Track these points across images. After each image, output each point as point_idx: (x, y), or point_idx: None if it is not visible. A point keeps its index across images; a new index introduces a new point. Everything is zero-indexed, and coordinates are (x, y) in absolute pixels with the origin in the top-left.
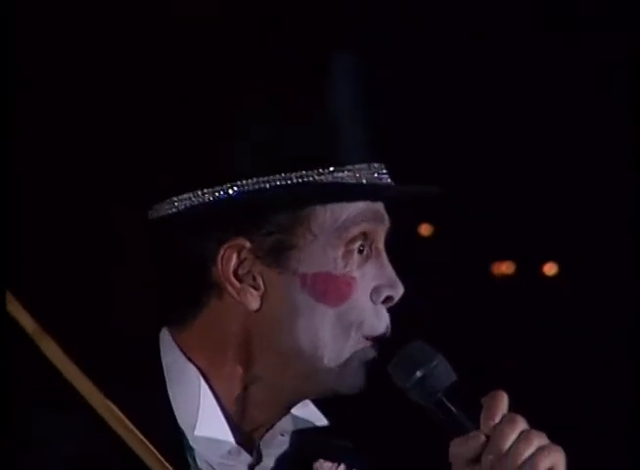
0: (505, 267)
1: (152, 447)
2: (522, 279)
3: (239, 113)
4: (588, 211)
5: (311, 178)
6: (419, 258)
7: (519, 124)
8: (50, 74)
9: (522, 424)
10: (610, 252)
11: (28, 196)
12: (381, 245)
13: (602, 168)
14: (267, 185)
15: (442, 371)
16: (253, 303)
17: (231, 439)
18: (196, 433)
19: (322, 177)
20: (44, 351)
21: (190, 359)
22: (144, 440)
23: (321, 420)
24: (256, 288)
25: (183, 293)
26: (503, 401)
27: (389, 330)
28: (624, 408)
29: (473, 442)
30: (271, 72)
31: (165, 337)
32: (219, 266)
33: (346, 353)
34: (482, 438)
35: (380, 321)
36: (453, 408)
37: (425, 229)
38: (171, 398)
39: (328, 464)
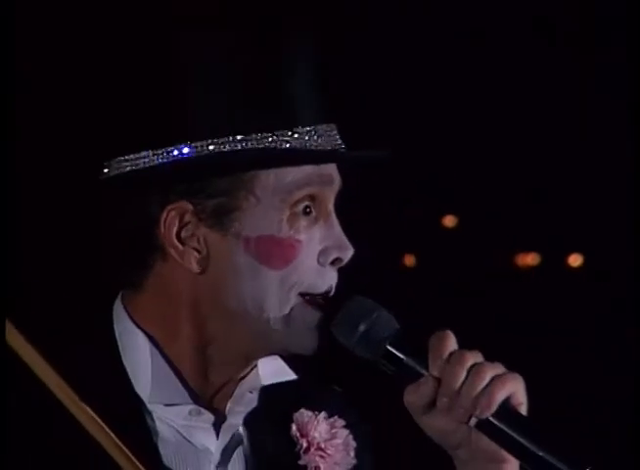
0: (530, 259)
1: (100, 421)
2: (547, 270)
3: (188, 79)
4: (614, 203)
5: (254, 143)
6: (443, 250)
7: (545, 116)
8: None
9: (471, 359)
10: (635, 243)
11: None
12: (330, 206)
13: (628, 160)
14: (209, 149)
15: (385, 321)
16: (196, 265)
17: (189, 400)
18: (149, 399)
19: (265, 142)
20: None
21: (139, 326)
22: (92, 414)
23: (290, 374)
24: (199, 251)
25: (129, 257)
26: (448, 340)
27: (332, 290)
28: None
29: (424, 387)
30: (224, 39)
31: (118, 305)
32: (162, 229)
33: (290, 314)
34: (432, 381)
35: (322, 281)
36: (402, 356)
37: (449, 220)
38: (126, 366)
39: (308, 413)
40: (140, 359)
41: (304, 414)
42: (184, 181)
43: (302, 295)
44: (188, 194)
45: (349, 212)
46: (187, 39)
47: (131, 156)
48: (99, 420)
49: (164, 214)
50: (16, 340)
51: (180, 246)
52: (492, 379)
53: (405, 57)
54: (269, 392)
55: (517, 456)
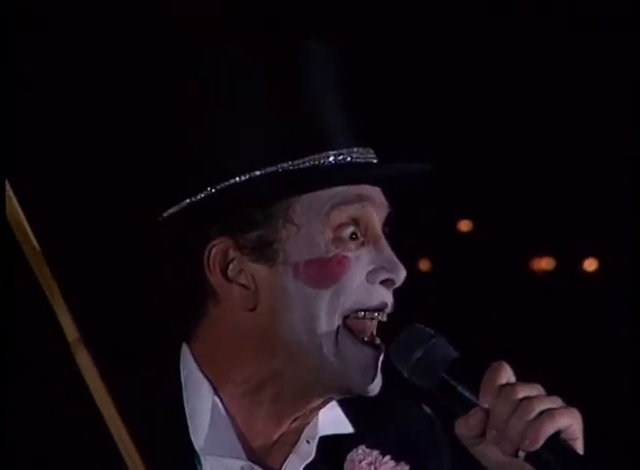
0: (545, 263)
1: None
2: (561, 275)
3: (211, 113)
4: (629, 208)
5: (282, 169)
6: (458, 255)
7: (562, 122)
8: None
9: (522, 391)
10: None
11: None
12: (377, 230)
13: None
14: (239, 181)
15: (441, 349)
16: (246, 302)
17: (242, 455)
18: (203, 450)
19: (293, 167)
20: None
21: (203, 372)
22: (137, 454)
23: (348, 428)
24: (248, 287)
25: (183, 305)
26: (502, 372)
27: (389, 309)
28: None
29: (473, 419)
30: (242, 71)
31: (185, 349)
32: (206, 268)
33: (339, 348)
34: (481, 413)
35: (370, 297)
36: (457, 385)
37: (464, 225)
38: (187, 413)
39: (364, 451)
40: (201, 407)
41: (359, 452)
42: (221, 216)
43: (351, 312)
44: (227, 230)
45: None
46: (214, 71)
47: (172, 207)
48: (139, 459)
49: (207, 253)
50: (87, 368)
51: (227, 283)
52: (541, 413)
53: (419, 62)
54: (328, 441)
55: None
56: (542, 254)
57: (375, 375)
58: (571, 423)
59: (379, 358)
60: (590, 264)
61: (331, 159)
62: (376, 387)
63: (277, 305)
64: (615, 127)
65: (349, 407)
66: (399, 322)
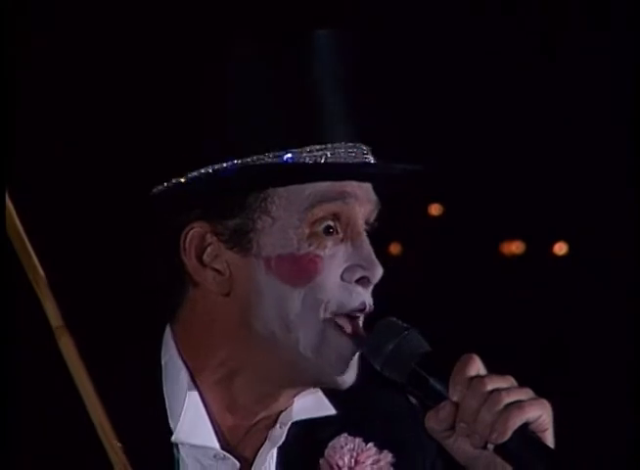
0: (515, 247)
1: (117, 445)
2: (531, 259)
3: (206, 99)
4: (598, 191)
5: (264, 161)
6: (429, 238)
7: (529, 105)
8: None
9: (491, 384)
10: (619, 231)
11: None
12: (358, 227)
13: (614, 148)
14: (217, 169)
15: (414, 342)
16: (220, 287)
17: (215, 444)
18: (176, 437)
19: (276, 159)
20: (60, 345)
21: (182, 357)
22: (112, 435)
23: (328, 409)
24: (222, 272)
25: (166, 286)
26: (472, 364)
27: (369, 308)
28: (633, 386)
29: (442, 412)
30: (243, 60)
31: (167, 333)
32: (181, 251)
33: (321, 343)
34: (450, 406)
35: (350, 297)
36: (428, 378)
37: (435, 209)
38: (165, 396)
39: (346, 440)
40: (178, 394)
41: (341, 439)
42: (201, 202)
43: (336, 315)
44: (207, 215)
45: None
46: (216, 59)
47: (160, 185)
48: (117, 443)
49: (183, 236)
50: (70, 354)
51: (201, 268)
52: (510, 404)
53: (395, 50)
54: (308, 428)
55: None
56: (512, 237)
57: (351, 367)
58: (540, 414)
59: (356, 352)
60: (560, 248)
61: (314, 154)
62: (349, 379)
63: (250, 294)
64: (584, 110)
65: (333, 396)
66: (441, 351)
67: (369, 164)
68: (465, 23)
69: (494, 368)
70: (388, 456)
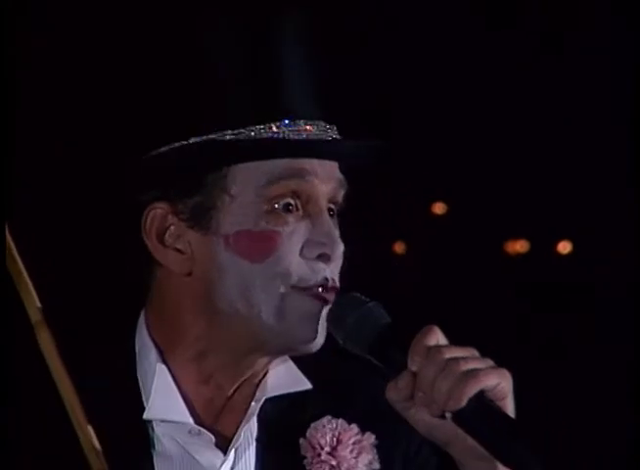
0: (519, 246)
1: (89, 428)
2: (536, 257)
3: (166, 79)
4: (604, 189)
5: (221, 138)
6: (433, 237)
7: (533, 104)
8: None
9: (449, 353)
10: (623, 229)
11: None
12: (320, 204)
13: (617, 147)
14: (175, 147)
15: (375, 314)
16: (181, 266)
17: (188, 419)
18: (147, 414)
19: (233, 137)
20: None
21: (152, 337)
22: (83, 418)
23: (303, 384)
24: (183, 252)
25: (137, 267)
26: (431, 335)
27: (332, 283)
28: (636, 386)
29: (401, 382)
30: (209, 39)
31: (141, 315)
32: (143, 232)
33: (283, 308)
34: (409, 376)
35: (312, 273)
36: (387, 349)
37: (438, 207)
38: (139, 378)
39: (329, 421)
40: (148, 373)
41: (324, 420)
42: (160, 181)
43: (296, 288)
44: (167, 195)
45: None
46: (181, 37)
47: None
48: (89, 427)
49: (144, 217)
50: (43, 336)
51: (162, 248)
52: (465, 373)
53: (395, 46)
54: (290, 408)
55: (488, 450)
56: (516, 236)
57: (317, 328)
58: (497, 382)
59: (321, 311)
60: (564, 247)
61: (273, 130)
62: (319, 342)
63: (210, 273)
64: (588, 108)
65: (315, 377)
66: (402, 323)
67: (324, 140)
68: (465, 23)
69: (502, 360)
70: (371, 438)
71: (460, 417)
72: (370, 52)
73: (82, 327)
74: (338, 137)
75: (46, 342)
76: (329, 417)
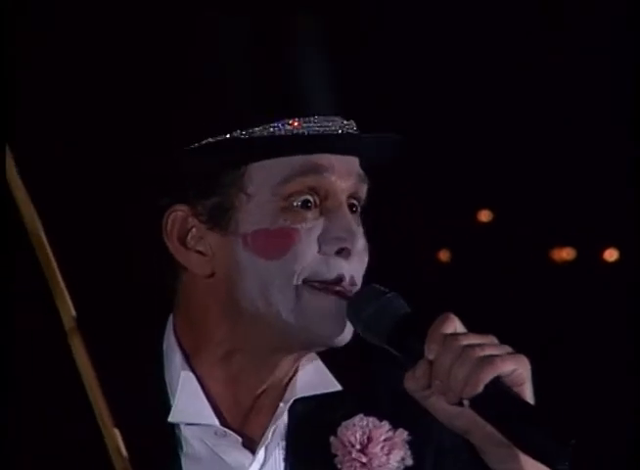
0: (565, 253)
1: (116, 431)
2: (582, 265)
3: (178, 81)
4: None
5: (234, 137)
6: (478, 245)
7: (582, 109)
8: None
9: (465, 340)
10: None
11: None
12: (339, 199)
13: None
14: (193, 149)
15: (394, 305)
16: (204, 268)
17: (214, 421)
18: (171, 418)
19: (247, 135)
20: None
21: (178, 341)
22: (110, 422)
23: (332, 386)
24: (205, 253)
25: (161, 272)
26: (448, 323)
27: (350, 280)
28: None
29: (419, 370)
30: (225, 40)
31: (170, 319)
32: (164, 235)
33: (300, 305)
34: (426, 364)
35: (327, 268)
36: (405, 338)
37: (484, 215)
38: (167, 382)
39: (361, 419)
40: (175, 376)
41: (356, 419)
42: (179, 183)
43: (308, 282)
44: (186, 197)
45: (385, 208)
46: (197, 41)
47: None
48: (115, 430)
49: (165, 220)
50: (76, 343)
51: (184, 250)
52: (481, 359)
53: (441, 54)
54: (320, 408)
55: (505, 436)
56: (563, 244)
57: (339, 323)
58: (514, 369)
59: (340, 306)
60: (611, 255)
61: (287, 127)
62: (344, 337)
63: (231, 273)
64: (633, 119)
65: (345, 376)
66: (421, 313)
67: (339, 135)
68: (465, 22)
69: (547, 374)
70: (403, 434)
71: (477, 404)
72: (411, 52)
73: (113, 331)
74: (354, 132)
75: (78, 348)
76: (361, 415)
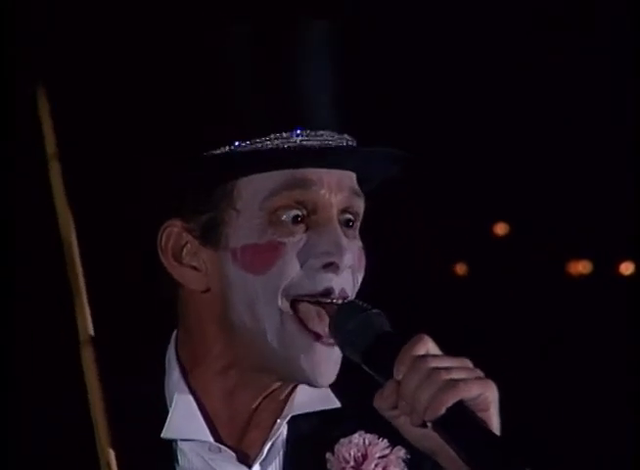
0: (582, 266)
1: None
2: (598, 278)
3: (187, 94)
4: None
5: (222, 152)
6: (494, 258)
7: (598, 124)
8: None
9: (433, 363)
10: None
11: None
12: (329, 213)
13: None
14: (183, 165)
15: (373, 322)
16: (198, 284)
17: (208, 437)
18: (164, 434)
19: (232, 150)
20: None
21: (177, 356)
22: (106, 435)
23: (331, 403)
24: (199, 269)
25: (163, 285)
26: (419, 344)
27: (339, 293)
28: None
29: (387, 390)
30: (225, 57)
31: (173, 334)
32: (160, 251)
33: (283, 332)
34: (394, 384)
35: (312, 282)
36: (380, 357)
37: (500, 228)
38: (166, 396)
39: (361, 436)
40: (173, 390)
41: (355, 435)
42: (173, 199)
43: (295, 297)
44: (179, 212)
45: (400, 222)
46: (197, 59)
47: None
48: (110, 450)
49: (159, 235)
50: (87, 356)
51: (177, 265)
52: (441, 385)
53: (457, 67)
54: (317, 420)
55: (463, 460)
56: (579, 257)
57: (320, 364)
58: (479, 393)
59: (325, 350)
60: (627, 268)
61: (273, 142)
62: (325, 379)
63: (223, 288)
64: None
65: (345, 395)
66: (436, 326)
67: (326, 148)
68: (465, 23)
69: (563, 386)
70: (400, 451)
71: (439, 426)
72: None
73: (123, 345)
74: (344, 146)
75: (89, 360)
76: (361, 432)
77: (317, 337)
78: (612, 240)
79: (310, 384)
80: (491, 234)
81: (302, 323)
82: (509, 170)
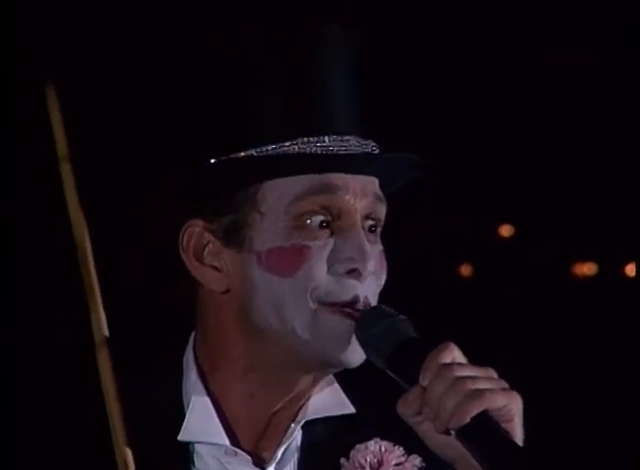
0: (587, 268)
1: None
2: (603, 280)
3: (193, 100)
4: None
5: (247, 155)
6: (499, 260)
7: (601, 126)
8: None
9: (459, 371)
10: None
11: None
12: (353, 219)
13: None
14: (207, 166)
15: (399, 328)
16: (219, 284)
17: (224, 440)
18: (180, 437)
19: (258, 153)
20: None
21: (196, 358)
22: (123, 439)
23: (345, 408)
24: (220, 269)
25: (181, 286)
26: (446, 352)
27: (364, 301)
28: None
29: (411, 396)
30: (244, 61)
31: (192, 336)
32: (181, 250)
33: (315, 324)
34: (419, 391)
35: (341, 289)
36: (405, 363)
37: (506, 230)
38: (184, 398)
39: (376, 443)
40: (190, 392)
41: (370, 442)
42: (195, 199)
43: (324, 304)
44: (202, 213)
45: (406, 223)
46: (218, 62)
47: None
48: (127, 449)
49: (181, 234)
50: (102, 357)
51: (199, 265)
52: (466, 394)
53: (460, 68)
54: (333, 426)
55: (484, 468)
56: (584, 259)
57: (350, 345)
58: (504, 404)
59: (352, 330)
60: (632, 270)
61: (300, 146)
62: (356, 358)
63: (245, 290)
64: None
65: (364, 403)
66: (442, 327)
67: (352, 155)
68: (465, 22)
69: (568, 387)
70: (415, 460)
71: (462, 435)
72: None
73: (139, 347)
74: (369, 152)
75: (104, 361)
76: (377, 439)
77: (351, 317)
78: (617, 242)
79: (343, 366)
80: (496, 236)
81: (333, 310)
82: (514, 172)
